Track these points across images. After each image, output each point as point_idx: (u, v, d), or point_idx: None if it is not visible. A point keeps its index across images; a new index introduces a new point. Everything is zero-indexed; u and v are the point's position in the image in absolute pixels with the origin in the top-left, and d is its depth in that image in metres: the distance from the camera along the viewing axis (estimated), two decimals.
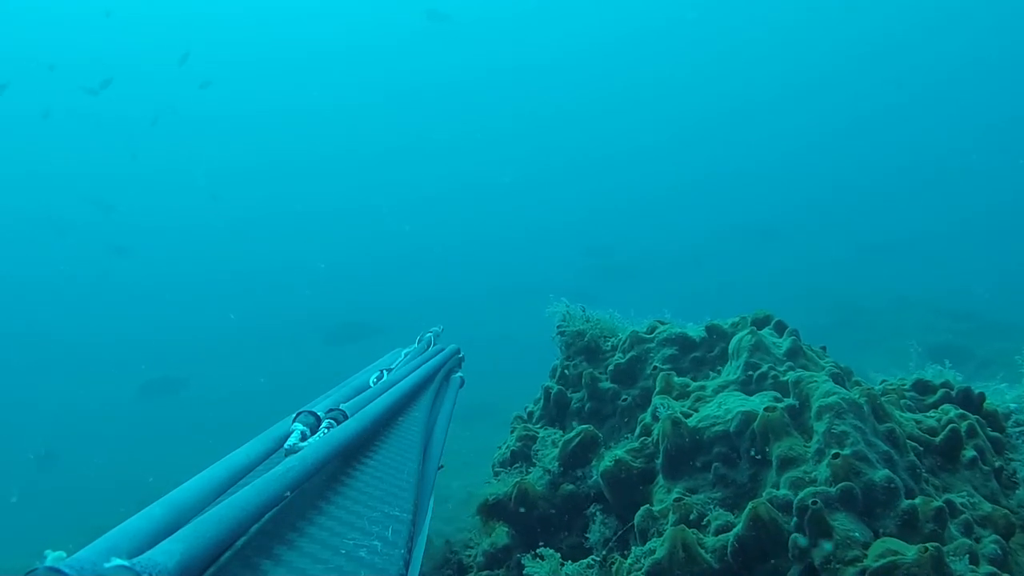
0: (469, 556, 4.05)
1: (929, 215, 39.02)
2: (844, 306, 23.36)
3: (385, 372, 2.94)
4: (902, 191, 43.79)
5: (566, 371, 4.54)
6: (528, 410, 4.67)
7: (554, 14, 58.47)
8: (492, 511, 3.87)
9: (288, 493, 1.47)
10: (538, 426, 4.42)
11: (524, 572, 3.15)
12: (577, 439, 3.80)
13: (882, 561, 2.42)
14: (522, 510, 3.76)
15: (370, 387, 2.62)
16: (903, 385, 3.84)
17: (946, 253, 32.98)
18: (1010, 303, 22.17)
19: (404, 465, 2.02)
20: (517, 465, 4.19)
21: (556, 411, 4.43)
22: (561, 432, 4.21)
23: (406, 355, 3.44)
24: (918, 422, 3.36)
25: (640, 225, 45.37)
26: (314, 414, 1.98)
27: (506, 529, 3.85)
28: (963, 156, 44.67)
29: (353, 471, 1.85)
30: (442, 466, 2.78)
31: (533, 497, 3.73)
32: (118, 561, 0.99)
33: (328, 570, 1.33)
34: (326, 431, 1.90)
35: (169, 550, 1.07)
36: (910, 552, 2.41)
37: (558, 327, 4.68)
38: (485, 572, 3.76)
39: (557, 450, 3.90)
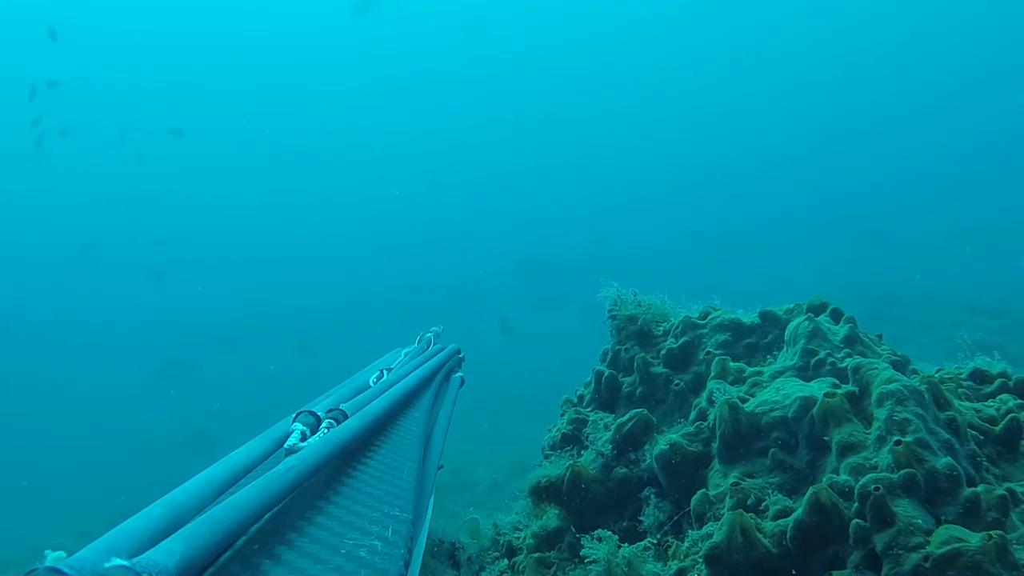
0: (518, 538, 4.08)
1: (966, 210, 38.37)
2: (875, 301, 23.14)
3: (385, 372, 2.96)
4: (937, 186, 43.19)
5: (617, 355, 4.55)
6: (579, 393, 4.68)
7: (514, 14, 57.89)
8: (544, 493, 3.89)
9: (288, 493, 1.49)
10: (588, 409, 4.43)
11: (582, 553, 3.17)
12: (631, 423, 3.81)
13: (946, 548, 2.40)
14: (575, 492, 3.78)
15: (370, 387, 2.63)
16: (960, 374, 3.80)
17: (980, 249, 32.45)
18: None
19: (404, 465, 2.04)
20: (568, 448, 4.21)
21: (607, 395, 4.44)
22: (612, 416, 4.22)
23: (406, 355, 3.46)
24: (977, 411, 3.32)
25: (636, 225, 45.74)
26: (314, 414, 2.00)
27: (557, 511, 3.87)
28: (999, 151, 43.90)
29: (353, 471, 1.87)
30: (442, 466, 2.80)
31: (586, 480, 3.75)
32: (118, 561, 1.01)
33: (328, 570, 1.35)
34: (326, 431, 1.92)
35: (169, 550, 1.10)
36: (974, 539, 2.40)
37: (609, 311, 4.69)
38: (536, 554, 3.78)
39: (610, 433, 3.91)
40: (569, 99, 56.81)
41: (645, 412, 3.86)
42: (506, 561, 3.98)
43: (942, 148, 46.90)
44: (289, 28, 56.57)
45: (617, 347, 4.59)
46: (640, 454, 3.78)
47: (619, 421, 3.88)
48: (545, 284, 36.74)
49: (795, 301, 4.37)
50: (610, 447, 3.84)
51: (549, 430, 4.51)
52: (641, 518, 3.55)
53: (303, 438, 1.87)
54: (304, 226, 51.11)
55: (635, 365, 4.30)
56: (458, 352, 4.19)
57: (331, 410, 2.04)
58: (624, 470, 3.77)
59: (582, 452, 4.07)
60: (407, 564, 1.50)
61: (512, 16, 57.44)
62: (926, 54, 51.80)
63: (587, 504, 3.75)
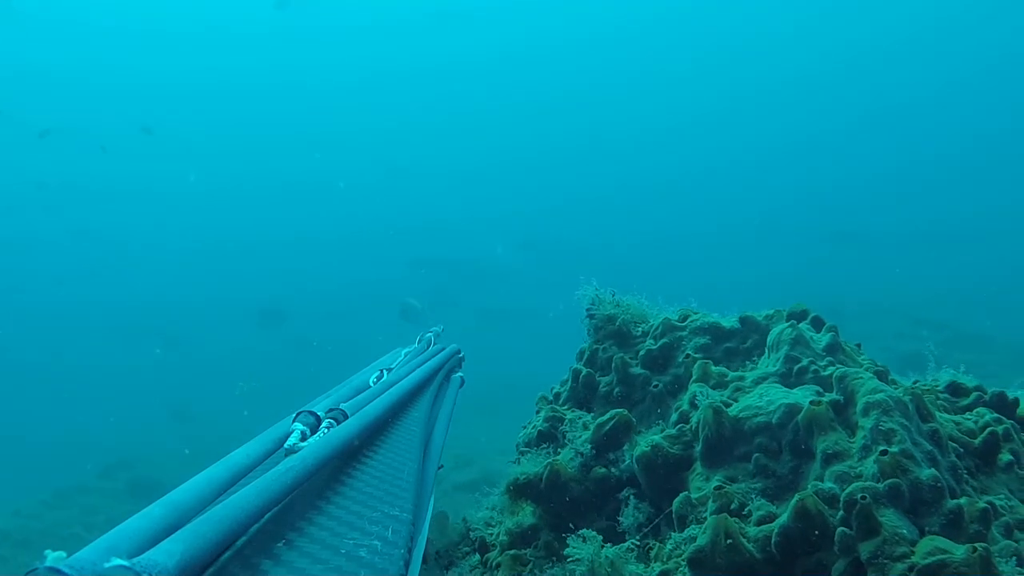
0: (491, 534, 4.07)
1: (914, 220, 38.90)
2: (819, 311, 23.36)
3: (385, 372, 2.96)
4: (885, 194, 43.76)
5: (595, 354, 4.55)
6: (555, 391, 4.68)
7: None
8: (521, 491, 3.88)
9: (288, 493, 1.48)
10: (565, 408, 4.43)
11: (566, 552, 3.17)
12: (611, 423, 3.81)
13: (931, 559, 2.43)
14: (553, 491, 3.78)
15: (370, 387, 2.63)
16: (936, 386, 3.86)
17: (928, 260, 32.98)
18: (984, 314, 22.32)
19: (404, 465, 2.03)
20: (544, 446, 4.20)
21: (584, 393, 4.44)
22: (590, 415, 4.22)
23: (406, 355, 3.46)
24: (957, 423, 3.38)
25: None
26: (314, 414, 2.00)
27: (533, 509, 3.86)
28: (957, 159, 44.61)
29: (353, 471, 1.87)
30: (442, 466, 2.80)
31: (565, 478, 3.75)
32: (118, 561, 1.00)
33: (328, 570, 1.34)
34: (326, 431, 1.92)
35: (169, 550, 1.09)
36: (958, 551, 2.42)
37: (587, 310, 4.68)
38: (512, 551, 3.77)
39: (589, 433, 3.90)
40: (523, 95, 56.92)
41: (625, 412, 3.86)
42: (478, 557, 3.97)
43: (912, 154, 47.53)
44: (220, 18, 56.20)
45: (595, 346, 4.59)
46: (619, 454, 3.77)
47: (599, 421, 3.87)
48: (485, 284, 36.71)
49: (745, 304, 4.43)
50: (589, 446, 3.83)
51: (524, 427, 4.50)
52: (620, 518, 3.55)
53: (303, 438, 1.87)
54: (256, 215, 50.97)
55: (613, 365, 4.30)
56: (458, 352, 4.19)
57: (331, 410, 2.04)
58: (603, 470, 3.76)
59: (559, 450, 4.06)
60: (407, 564, 1.49)
61: (456, 11, 57.36)
62: (902, 58, 52.38)
63: (565, 503, 3.74)
